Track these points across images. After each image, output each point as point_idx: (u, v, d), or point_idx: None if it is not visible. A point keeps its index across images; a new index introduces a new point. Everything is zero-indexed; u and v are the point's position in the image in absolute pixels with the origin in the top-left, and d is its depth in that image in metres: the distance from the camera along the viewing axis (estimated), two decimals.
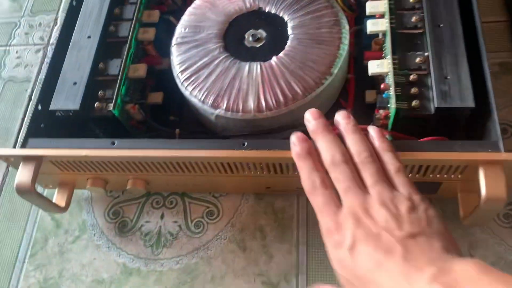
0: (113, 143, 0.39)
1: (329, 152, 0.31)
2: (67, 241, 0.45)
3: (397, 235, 0.26)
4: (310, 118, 0.34)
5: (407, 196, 0.28)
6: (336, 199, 0.29)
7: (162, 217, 0.45)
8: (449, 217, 0.42)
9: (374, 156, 0.31)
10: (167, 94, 0.47)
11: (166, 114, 0.48)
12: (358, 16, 0.49)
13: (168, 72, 0.47)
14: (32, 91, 0.41)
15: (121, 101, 0.43)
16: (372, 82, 0.43)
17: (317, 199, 0.30)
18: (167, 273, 0.42)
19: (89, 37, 0.45)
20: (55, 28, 0.58)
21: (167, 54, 0.46)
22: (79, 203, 0.47)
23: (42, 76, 0.43)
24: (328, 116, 0.44)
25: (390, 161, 0.30)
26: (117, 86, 0.42)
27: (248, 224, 0.44)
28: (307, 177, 0.31)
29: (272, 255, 0.42)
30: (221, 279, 0.42)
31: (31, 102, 0.42)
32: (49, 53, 0.42)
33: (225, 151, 0.37)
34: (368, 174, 0.29)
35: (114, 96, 0.42)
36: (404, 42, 0.41)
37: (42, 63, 0.49)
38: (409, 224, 0.26)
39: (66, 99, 0.42)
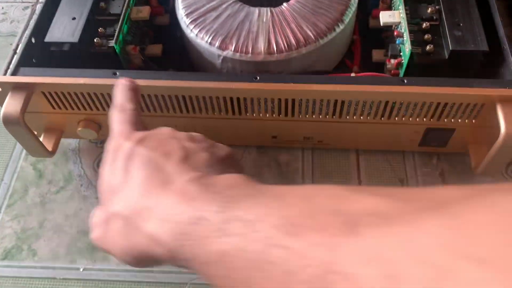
0: (115, 74, 0.37)
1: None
2: (50, 191, 0.41)
3: (185, 144, 0.26)
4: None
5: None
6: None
7: None
8: (459, 173, 0.41)
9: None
10: (166, 49, 0.45)
11: (165, 68, 0.45)
12: None
13: (168, 29, 0.46)
14: (17, 46, 0.39)
15: (123, 39, 0.40)
16: (377, 45, 0.43)
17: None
18: None
19: None
20: None
21: (167, 9, 0.45)
22: (65, 154, 0.43)
23: (29, 31, 0.40)
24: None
25: None
26: (119, 23, 0.40)
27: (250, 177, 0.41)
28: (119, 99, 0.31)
29: None
30: None
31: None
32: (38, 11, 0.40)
33: (238, 83, 0.36)
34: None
35: (116, 32, 0.39)
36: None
37: (29, 19, 0.46)
38: (201, 144, 0.27)
39: (64, 32, 0.39)
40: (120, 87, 0.31)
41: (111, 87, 0.36)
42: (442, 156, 0.42)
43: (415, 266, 0.12)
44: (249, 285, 0.17)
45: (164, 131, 0.28)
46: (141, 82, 0.36)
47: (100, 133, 0.41)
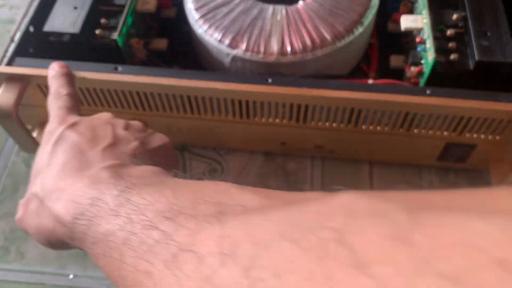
0: (116, 69, 0.34)
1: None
2: None
3: (117, 131, 0.27)
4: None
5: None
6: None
7: None
8: None
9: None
10: (173, 43, 0.43)
11: (170, 63, 0.43)
12: None
13: (173, 22, 0.43)
14: (15, 34, 0.36)
15: (127, 31, 0.38)
16: (396, 51, 0.41)
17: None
18: None
19: None
20: None
21: (175, 2, 0.42)
22: None
23: (27, 20, 0.37)
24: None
25: None
26: (123, 14, 0.38)
27: (255, 185, 0.39)
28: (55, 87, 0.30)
29: None
30: None
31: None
32: None
33: (249, 85, 0.33)
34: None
35: (120, 24, 0.37)
36: (438, 1, 0.39)
37: (29, 6, 0.43)
38: (135, 133, 0.27)
39: (64, 22, 0.37)
40: (52, 74, 0.30)
41: (112, 82, 0.34)
42: (460, 173, 0.39)
43: (247, 244, 0.15)
44: (122, 264, 0.18)
45: (101, 117, 0.28)
46: (144, 79, 0.33)
47: None
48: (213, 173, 0.40)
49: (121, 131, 0.27)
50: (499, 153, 0.36)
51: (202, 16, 0.39)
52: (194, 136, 0.39)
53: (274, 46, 0.37)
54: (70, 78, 0.30)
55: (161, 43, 0.42)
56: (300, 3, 0.39)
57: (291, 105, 0.34)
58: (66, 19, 0.37)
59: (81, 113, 0.29)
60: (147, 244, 0.18)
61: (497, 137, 0.34)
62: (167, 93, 0.34)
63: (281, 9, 0.38)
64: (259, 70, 0.38)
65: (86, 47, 0.37)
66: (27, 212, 0.25)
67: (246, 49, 0.37)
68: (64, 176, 0.24)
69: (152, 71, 0.34)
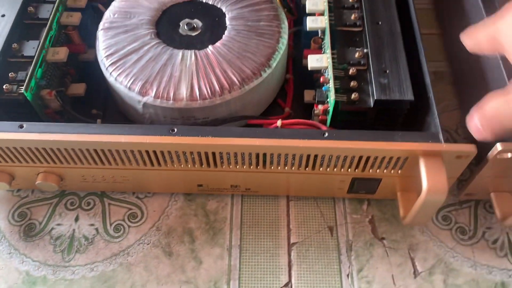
0: (22, 127, 0.34)
1: None
2: None
3: None
4: None
5: None
6: None
7: (76, 219, 0.40)
8: (389, 219, 0.40)
9: None
10: (91, 87, 0.43)
11: (88, 108, 0.43)
12: (297, 19, 0.49)
13: (93, 65, 0.43)
14: None
15: (36, 84, 0.38)
16: (311, 84, 0.42)
17: None
18: (79, 281, 0.37)
19: (3, 15, 0.40)
20: None
21: (93, 44, 0.42)
22: None
23: None
24: (265, 114, 0.42)
25: None
26: (31, 67, 0.38)
27: (175, 227, 0.40)
28: None
29: (202, 261, 0.38)
30: (141, 287, 0.37)
31: None
32: None
33: (151, 136, 0.34)
34: None
35: (28, 77, 0.37)
36: (343, 39, 0.40)
37: None
38: None
39: None
40: None
41: (16, 141, 0.34)
42: (372, 202, 0.41)
43: None
44: None
45: None
46: (47, 136, 0.34)
47: (13, 183, 0.39)
48: (133, 218, 0.40)
49: None
50: (404, 184, 0.38)
51: (112, 64, 0.39)
52: (110, 185, 0.40)
53: (183, 92, 0.38)
54: None
55: (79, 88, 0.42)
56: (210, 47, 0.40)
57: (199, 153, 0.35)
58: None
59: None
60: None
61: (399, 171, 0.36)
62: (73, 148, 0.34)
63: (190, 54, 0.39)
64: (171, 115, 0.38)
65: None
66: None
67: (156, 96, 0.37)
68: None
69: (59, 128, 0.34)
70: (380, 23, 0.40)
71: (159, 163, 0.36)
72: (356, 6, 0.42)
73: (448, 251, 0.39)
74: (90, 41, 0.43)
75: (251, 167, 0.36)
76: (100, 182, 0.39)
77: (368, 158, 0.35)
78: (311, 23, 0.42)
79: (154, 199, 0.41)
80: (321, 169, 0.36)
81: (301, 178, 0.38)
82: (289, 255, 0.38)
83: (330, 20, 0.41)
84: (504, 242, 0.39)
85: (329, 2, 0.42)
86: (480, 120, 0.29)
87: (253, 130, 0.34)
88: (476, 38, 0.32)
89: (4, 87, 0.37)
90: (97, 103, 0.44)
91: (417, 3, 0.42)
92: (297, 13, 0.49)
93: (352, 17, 0.41)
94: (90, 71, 0.43)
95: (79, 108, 0.42)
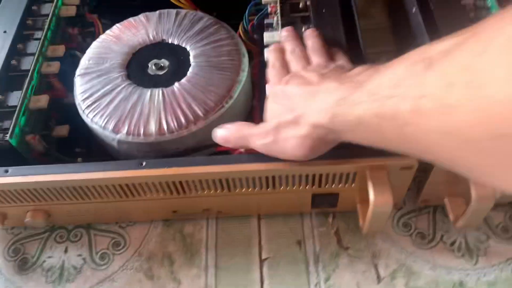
0: (7, 171, 0.38)
1: (290, 47, 0.41)
2: None
3: (321, 71, 0.35)
4: (284, 31, 0.44)
5: (337, 63, 0.38)
6: (285, 74, 0.38)
7: (66, 251, 0.43)
8: (353, 230, 0.43)
9: (321, 48, 0.41)
10: (75, 127, 0.47)
11: (73, 147, 0.47)
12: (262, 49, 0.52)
13: (75, 107, 0.47)
14: None
15: (20, 131, 0.42)
16: None
17: (272, 71, 0.40)
18: None
19: None
20: None
21: (73, 88, 0.47)
22: None
23: None
24: None
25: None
26: (15, 116, 0.42)
27: (156, 252, 0.43)
28: (271, 61, 0.41)
29: (180, 281, 0.41)
30: None
31: None
32: None
33: (122, 171, 0.37)
34: (313, 56, 0.39)
35: (12, 125, 0.41)
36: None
37: None
38: (331, 70, 0.36)
39: None
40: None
41: (3, 185, 0.38)
42: (337, 215, 0.44)
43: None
44: (379, 128, 0.25)
45: (300, 67, 0.38)
46: (29, 179, 0.37)
47: (6, 222, 0.43)
48: (116, 246, 0.44)
49: (324, 70, 0.35)
50: (361, 196, 0.41)
51: (88, 107, 0.43)
52: (94, 218, 0.43)
53: (153, 127, 0.41)
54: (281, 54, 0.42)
55: (62, 130, 0.46)
56: (176, 84, 0.44)
57: (167, 183, 0.38)
58: None
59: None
60: (391, 109, 0.24)
61: (353, 185, 0.39)
62: (54, 187, 0.38)
63: (158, 92, 0.43)
64: (144, 149, 0.42)
65: None
66: (281, 142, 0.33)
67: (128, 133, 0.41)
68: (305, 102, 0.32)
69: (40, 169, 0.38)
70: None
71: (133, 194, 0.40)
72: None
73: (408, 255, 0.41)
74: (71, 85, 0.47)
75: (218, 191, 0.40)
76: (85, 215, 0.43)
77: (321, 176, 0.38)
78: (267, 38, 0.46)
79: (135, 227, 0.44)
80: (281, 188, 0.39)
81: (267, 197, 0.41)
82: (261, 270, 0.41)
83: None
84: (462, 243, 0.42)
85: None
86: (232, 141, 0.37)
87: (215, 158, 0.38)
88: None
89: None
90: (81, 141, 0.47)
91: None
92: (261, 44, 0.53)
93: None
94: (72, 113, 0.47)
95: (64, 147, 0.46)
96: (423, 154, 0.25)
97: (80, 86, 0.44)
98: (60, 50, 0.48)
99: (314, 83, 0.33)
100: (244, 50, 0.47)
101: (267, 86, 0.40)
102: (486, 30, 0.20)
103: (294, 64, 0.39)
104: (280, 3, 0.48)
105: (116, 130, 0.41)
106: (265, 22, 0.50)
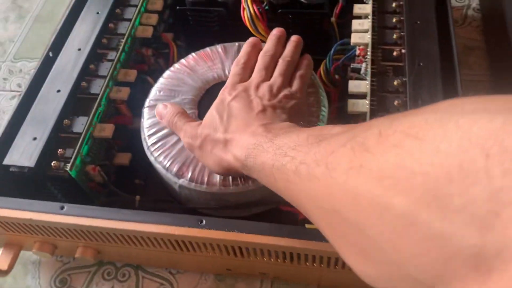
0: (62, 208, 0.36)
1: (266, 47, 0.42)
2: None
3: (264, 103, 0.37)
4: (274, 31, 0.44)
5: (289, 89, 0.40)
6: (247, 77, 0.41)
7: None
8: None
9: (293, 61, 0.42)
10: (136, 155, 0.44)
11: (132, 176, 0.45)
12: (342, 92, 0.48)
13: (139, 134, 0.45)
14: None
15: (81, 161, 0.40)
16: None
17: (235, 68, 0.41)
18: None
19: (58, 91, 0.43)
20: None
21: (140, 113, 0.44)
22: (25, 266, 0.43)
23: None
24: None
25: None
26: (78, 145, 0.40)
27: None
28: (240, 55, 0.42)
29: None
30: None
31: None
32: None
33: (180, 228, 0.34)
34: (278, 68, 0.41)
35: (73, 156, 0.39)
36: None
37: (15, 105, 0.47)
38: (276, 102, 0.38)
39: (22, 154, 0.39)
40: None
41: (57, 223, 0.36)
42: None
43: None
44: (274, 180, 0.29)
45: (251, 87, 0.39)
46: (83, 221, 0.35)
47: (56, 252, 0.41)
48: None
49: (266, 102, 0.37)
50: None
51: (153, 144, 0.41)
52: (145, 261, 0.41)
53: (217, 177, 0.38)
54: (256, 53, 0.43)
55: (124, 158, 0.44)
56: None
57: (225, 245, 0.35)
58: (25, 151, 0.40)
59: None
60: (282, 163, 0.27)
61: None
62: (108, 232, 0.36)
63: None
64: (205, 197, 0.39)
65: (43, 178, 0.39)
66: (205, 152, 0.37)
67: (191, 179, 0.38)
68: (237, 130, 0.35)
69: (96, 212, 0.36)
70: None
71: (188, 249, 0.37)
72: (401, 90, 0.41)
73: None
74: (138, 110, 0.45)
75: (279, 260, 0.36)
76: (136, 257, 0.41)
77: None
78: (352, 107, 0.41)
79: (185, 276, 0.42)
80: (348, 269, 0.35)
81: (330, 273, 0.37)
82: None
83: (371, 104, 0.40)
84: None
85: (372, 84, 0.41)
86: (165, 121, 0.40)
87: (280, 228, 0.34)
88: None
89: (52, 164, 0.39)
90: (141, 172, 0.45)
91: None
92: (342, 85, 0.48)
93: (396, 103, 0.40)
94: (136, 140, 0.45)
95: (123, 175, 0.44)
96: (302, 211, 0.28)
97: (148, 120, 0.42)
98: (132, 75, 0.46)
99: (254, 112, 0.36)
100: (325, 100, 0.42)
101: (223, 89, 0.40)
102: (358, 128, 0.24)
103: (256, 71, 0.41)
104: (372, 48, 0.44)
105: (179, 174, 0.39)
106: (351, 66, 0.45)
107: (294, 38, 0.43)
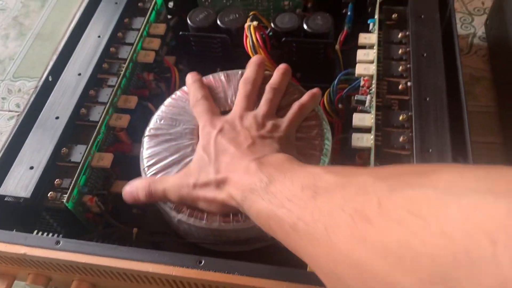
0: (58, 243, 0.35)
1: (246, 74, 0.42)
2: None
3: (252, 134, 0.36)
4: (253, 58, 0.43)
5: (278, 119, 0.39)
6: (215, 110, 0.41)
7: None
8: None
9: (279, 90, 0.41)
10: None
11: (130, 204, 0.44)
12: (345, 122, 0.47)
13: (138, 160, 0.44)
14: None
15: (78, 192, 0.39)
16: None
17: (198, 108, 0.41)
18: None
19: (57, 117, 0.42)
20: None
21: (140, 139, 0.43)
22: None
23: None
24: None
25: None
26: (75, 176, 0.39)
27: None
28: (192, 94, 0.42)
29: None
30: None
31: None
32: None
33: (178, 268, 0.33)
34: (264, 96, 0.40)
35: (70, 188, 0.38)
36: (388, 160, 0.38)
37: (12, 132, 0.46)
38: (265, 132, 0.37)
39: (18, 184, 0.38)
40: (189, 82, 0.43)
41: (52, 259, 0.35)
42: None
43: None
44: (270, 225, 0.29)
45: (236, 118, 0.38)
46: (79, 257, 0.34)
47: (50, 284, 0.40)
48: None
49: (255, 133, 0.36)
50: None
51: (152, 176, 0.40)
52: None
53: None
54: (201, 83, 0.42)
55: (122, 187, 0.43)
56: None
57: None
58: (21, 180, 0.39)
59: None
60: (279, 216, 0.27)
61: None
62: (104, 270, 0.35)
63: None
64: (204, 233, 0.38)
65: (39, 209, 0.38)
66: (199, 194, 0.35)
67: (190, 215, 0.37)
68: (228, 169, 0.34)
69: (92, 248, 0.35)
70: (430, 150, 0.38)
71: None
72: (406, 125, 0.40)
73: None
74: (138, 136, 0.44)
75: None
76: None
77: None
78: (356, 141, 0.41)
79: None
80: None
81: None
82: None
83: (376, 140, 0.40)
84: None
85: (377, 119, 0.41)
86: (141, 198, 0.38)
87: (282, 271, 0.33)
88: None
89: (48, 195, 0.38)
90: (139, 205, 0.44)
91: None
92: (345, 116, 0.47)
93: (401, 139, 0.39)
94: (135, 167, 0.44)
95: (121, 204, 0.43)
96: (302, 259, 0.27)
97: (147, 150, 0.41)
98: (133, 101, 0.45)
99: (244, 146, 0.35)
100: (329, 133, 0.41)
101: (202, 127, 0.39)
102: (353, 187, 0.24)
103: (238, 100, 0.40)
104: (377, 79, 0.43)
105: (178, 209, 0.38)
106: (355, 98, 0.44)
107: (281, 66, 0.43)
